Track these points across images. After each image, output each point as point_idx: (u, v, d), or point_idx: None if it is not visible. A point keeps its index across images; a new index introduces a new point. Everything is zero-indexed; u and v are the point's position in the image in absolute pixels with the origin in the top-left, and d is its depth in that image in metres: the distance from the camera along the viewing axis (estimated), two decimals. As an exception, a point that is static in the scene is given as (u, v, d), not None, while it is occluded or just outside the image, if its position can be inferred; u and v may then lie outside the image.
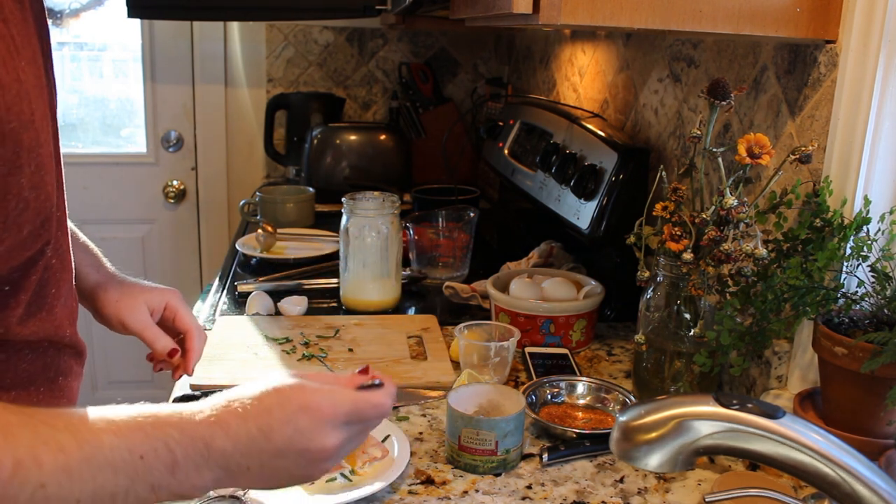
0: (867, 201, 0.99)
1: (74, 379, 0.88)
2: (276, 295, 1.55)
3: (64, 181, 0.83)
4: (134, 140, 2.86)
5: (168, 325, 1.04)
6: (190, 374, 1.03)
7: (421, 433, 1.09)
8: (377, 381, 0.74)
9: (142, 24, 2.68)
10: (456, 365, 1.28)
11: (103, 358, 2.82)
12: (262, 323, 1.43)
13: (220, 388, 0.73)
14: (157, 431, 0.63)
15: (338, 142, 2.40)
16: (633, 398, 1.14)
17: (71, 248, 0.85)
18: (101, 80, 2.82)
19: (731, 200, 0.99)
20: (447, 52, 2.84)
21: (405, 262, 1.71)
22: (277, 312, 1.50)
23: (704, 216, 1.02)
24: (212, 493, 0.90)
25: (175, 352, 1.01)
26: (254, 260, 1.83)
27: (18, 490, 0.57)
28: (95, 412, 0.64)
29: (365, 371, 0.77)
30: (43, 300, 0.79)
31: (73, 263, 0.86)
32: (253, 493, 0.90)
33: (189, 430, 0.65)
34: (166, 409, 0.66)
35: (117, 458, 0.61)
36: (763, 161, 0.99)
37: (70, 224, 0.90)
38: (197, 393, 1.16)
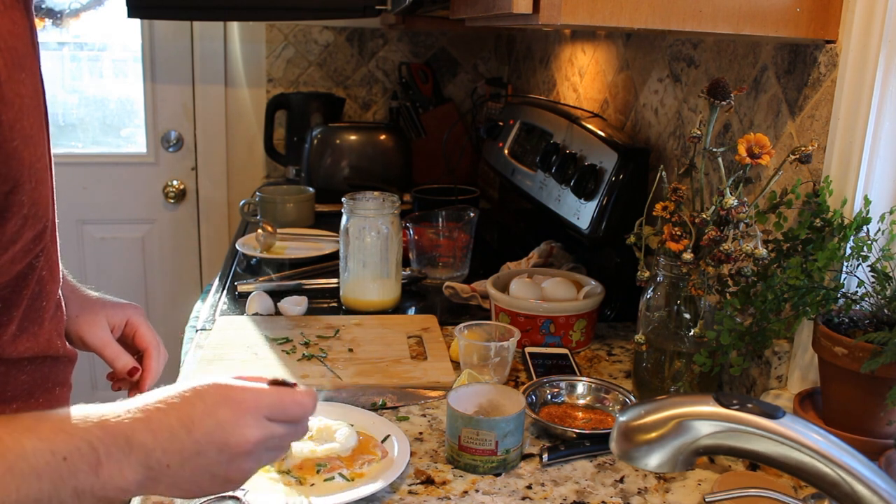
0: (867, 201, 0.99)
1: (69, 388, 0.87)
2: (276, 295, 1.55)
3: (55, 188, 0.81)
4: (134, 140, 2.86)
5: (128, 341, 1.01)
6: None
7: (421, 433, 1.09)
8: (292, 381, 0.74)
9: (142, 24, 2.68)
10: (456, 365, 1.28)
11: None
12: (262, 323, 1.43)
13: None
14: (80, 431, 0.62)
15: (338, 142, 2.40)
16: (633, 398, 1.14)
17: (59, 258, 0.83)
18: (101, 80, 2.82)
19: (731, 200, 0.99)
20: (447, 52, 2.84)
21: (405, 262, 1.71)
22: (277, 312, 1.50)
23: (704, 216, 1.02)
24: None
25: (136, 370, 0.98)
26: (254, 260, 1.83)
27: None
28: (17, 417, 0.63)
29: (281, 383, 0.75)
30: (34, 314, 0.77)
31: (60, 273, 0.84)
32: (252, 494, 0.90)
33: (111, 427, 0.63)
34: (95, 409, 0.65)
35: (40, 462, 0.60)
36: (763, 161, 0.99)
37: None
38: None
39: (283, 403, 0.71)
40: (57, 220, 0.82)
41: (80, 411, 0.64)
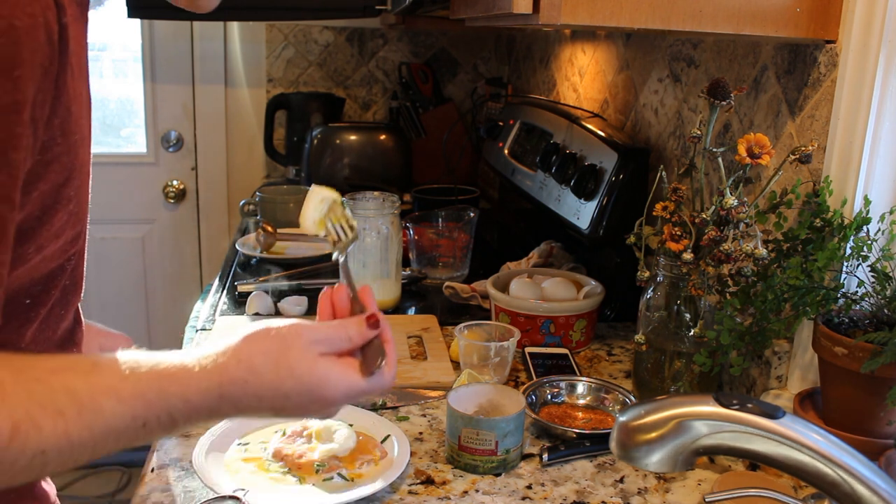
0: (867, 201, 0.99)
1: None
2: (276, 295, 1.55)
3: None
4: (134, 140, 2.86)
5: None
6: None
7: (421, 433, 1.09)
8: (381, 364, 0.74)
9: (142, 24, 2.68)
10: (456, 365, 1.28)
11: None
12: (262, 323, 1.43)
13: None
14: (161, 401, 0.64)
15: (338, 142, 2.40)
16: (633, 398, 1.14)
17: (84, 268, 0.84)
18: (101, 80, 2.82)
19: (731, 200, 0.99)
20: (447, 52, 2.84)
21: (405, 262, 1.71)
22: (277, 312, 1.50)
23: (704, 216, 1.02)
24: (212, 494, 0.90)
25: None
26: (254, 260, 1.83)
27: (18, 455, 0.56)
28: (88, 369, 0.64)
29: (374, 322, 0.76)
30: (53, 321, 0.77)
31: (83, 286, 0.84)
32: (252, 494, 0.90)
33: (194, 404, 0.66)
34: (172, 374, 0.66)
35: (119, 425, 0.61)
36: (763, 161, 0.99)
37: None
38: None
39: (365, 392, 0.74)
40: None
41: (157, 377, 0.65)
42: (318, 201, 0.85)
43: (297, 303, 1.50)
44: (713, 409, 0.63)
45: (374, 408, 1.14)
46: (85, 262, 0.83)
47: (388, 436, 1.03)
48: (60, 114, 0.64)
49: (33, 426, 0.57)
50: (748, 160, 1.00)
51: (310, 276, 1.70)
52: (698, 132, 1.06)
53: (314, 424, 1.01)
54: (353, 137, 2.42)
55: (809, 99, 1.08)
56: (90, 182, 0.79)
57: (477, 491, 0.95)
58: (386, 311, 1.53)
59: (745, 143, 1.00)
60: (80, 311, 0.86)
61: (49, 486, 0.87)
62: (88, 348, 0.97)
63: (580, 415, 1.14)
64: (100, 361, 0.65)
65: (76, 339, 0.84)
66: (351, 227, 0.85)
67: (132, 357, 0.66)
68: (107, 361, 0.65)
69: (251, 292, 1.54)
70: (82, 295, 0.84)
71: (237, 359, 0.69)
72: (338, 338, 0.73)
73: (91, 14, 0.78)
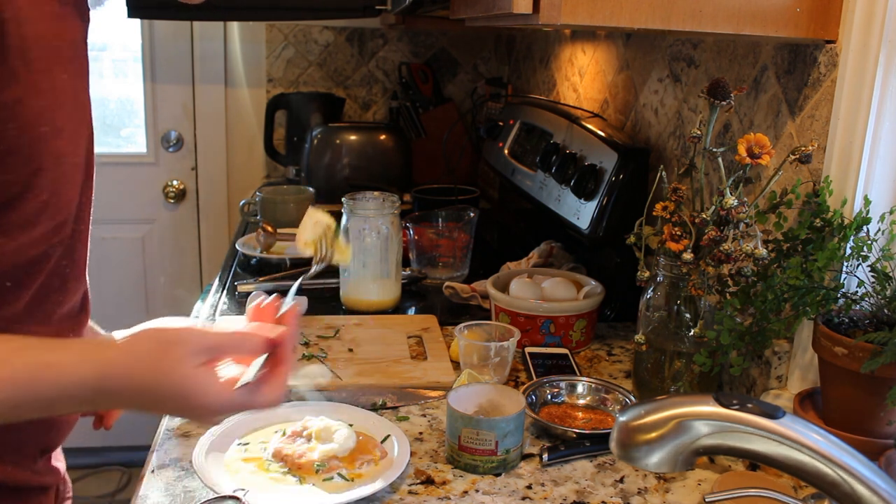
0: (867, 201, 0.99)
1: None
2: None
3: (92, 202, 0.84)
4: (134, 140, 2.86)
5: None
6: (108, 429, 1.04)
7: (421, 433, 1.09)
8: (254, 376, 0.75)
9: (142, 24, 2.68)
10: (456, 365, 1.28)
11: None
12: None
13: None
14: (32, 385, 0.67)
15: (338, 142, 2.40)
16: (633, 398, 1.14)
17: (86, 265, 0.86)
18: (101, 80, 2.82)
19: (731, 200, 0.99)
20: (447, 52, 2.84)
21: (405, 262, 1.71)
22: (277, 312, 1.50)
23: (704, 216, 1.02)
24: (212, 494, 0.90)
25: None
26: (254, 260, 1.83)
27: None
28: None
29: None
30: (44, 305, 0.79)
31: (86, 279, 0.88)
32: (252, 494, 0.90)
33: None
34: (51, 353, 0.69)
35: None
36: (763, 161, 0.99)
37: None
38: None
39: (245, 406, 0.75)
40: (91, 228, 0.86)
41: (34, 364, 0.68)
42: (312, 224, 0.89)
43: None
44: (713, 409, 0.63)
45: (374, 408, 1.14)
46: (86, 252, 0.86)
47: (388, 436, 1.03)
48: (9, 106, 0.66)
49: None
50: (748, 160, 1.00)
51: (310, 276, 1.70)
52: (698, 132, 1.06)
53: (314, 424, 1.01)
54: (353, 137, 2.42)
55: (809, 99, 1.08)
56: (87, 178, 0.80)
57: (477, 491, 0.95)
58: (386, 311, 1.54)
59: (745, 143, 1.00)
60: (88, 296, 0.89)
61: (59, 464, 0.91)
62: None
63: (580, 415, 1.14)
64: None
65: (80, 321, 0.88)
66: (339, 251, 0.90)
67: (23, 341, 0.69)
68: None
69: (251, 292, 1.54)
70: (87, 281, 0.86)
71: (123, 353, 0.71)
72: (225, 348, 0.74)
73: (91, 13, 0.79)
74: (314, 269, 0.88)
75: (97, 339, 0.75)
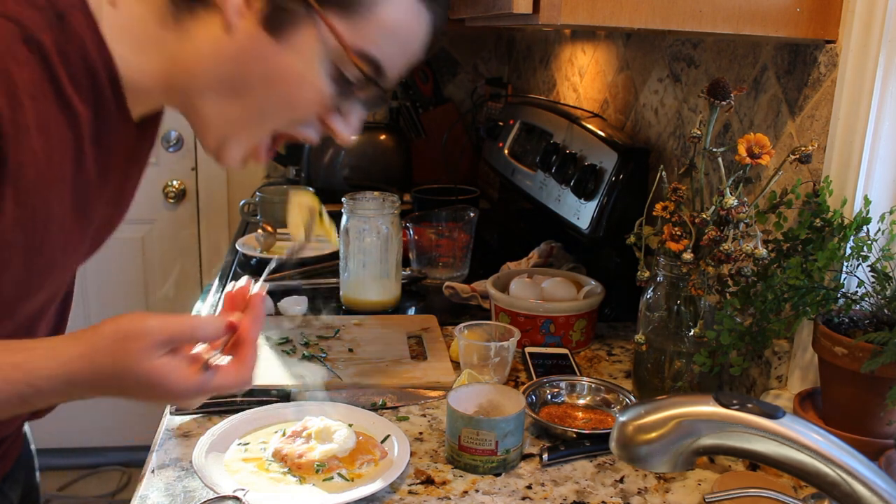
0: (867, 201, 0.99)
1: None
2: (276, 295, 1.55)
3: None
4: (134, 140, 2.86)
5: None
6: None
7: (421, 433, 1.09)
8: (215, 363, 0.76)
9: (142, 23, 2.68)
10: (456, 365, 1.28)
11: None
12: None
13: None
14: (7, 385, 0.70)
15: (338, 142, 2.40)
16: (633, 398, 1.14)
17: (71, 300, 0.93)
18: (101, 80, 2.82)
19: (731, 200, 0.99)
20: (447, 52, 2.84)
21: (405, 262, 1.71)
22: (277, 312, 1.50)
23: (704, 216, 1.02)
24: (212, 494, 0.90)
25: None
26: (254, 260, 1.83)
27: None
28: None
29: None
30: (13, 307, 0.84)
31: (69, 310, 0.94)
32: (252, 494, 0.90)
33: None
34: (21, 355, 0.72)
35: None
36: (763, 161, 0.99)
37: None
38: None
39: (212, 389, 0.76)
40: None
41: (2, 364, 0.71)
42: (297, 207, 0.91)
43: (297, 303, 1.50)
44: (713, 409, 0.63)
45: (374, 408, 1.14)
46: (73, 295, 0.95)
47: (388, 436, 1.03)
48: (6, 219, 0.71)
49: None
50: (748, 160, 1.00)
51: (310, 276, 1.70)
52: (698, 132, 1.06)
53: (314, 424, 1.01)
54: (352, 137, 2.41)
55: (809, 99, 1.08)
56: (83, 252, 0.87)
57: (477, 491, 0.95)
58: (386, 311, 1.54)
59: (745, 143, 1.00)
60: (70, 305, 0.97)
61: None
62: None
63: (580, 415, 1.14)
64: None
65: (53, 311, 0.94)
66: (325, 232, 0.91)
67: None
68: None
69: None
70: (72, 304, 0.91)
71: (90, 349, 0.72)
72: (185, 335, 0.75)
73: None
74: (292, 247, 0.90)
75: (60, 337, 0.77)
